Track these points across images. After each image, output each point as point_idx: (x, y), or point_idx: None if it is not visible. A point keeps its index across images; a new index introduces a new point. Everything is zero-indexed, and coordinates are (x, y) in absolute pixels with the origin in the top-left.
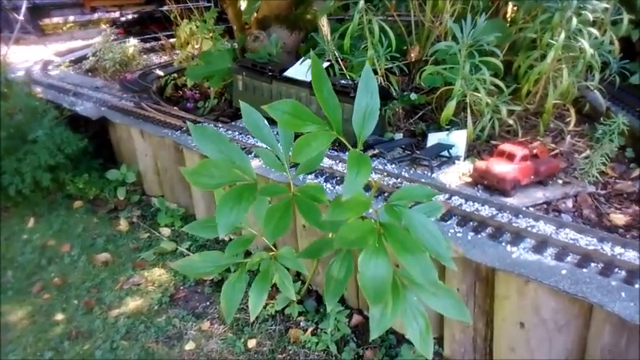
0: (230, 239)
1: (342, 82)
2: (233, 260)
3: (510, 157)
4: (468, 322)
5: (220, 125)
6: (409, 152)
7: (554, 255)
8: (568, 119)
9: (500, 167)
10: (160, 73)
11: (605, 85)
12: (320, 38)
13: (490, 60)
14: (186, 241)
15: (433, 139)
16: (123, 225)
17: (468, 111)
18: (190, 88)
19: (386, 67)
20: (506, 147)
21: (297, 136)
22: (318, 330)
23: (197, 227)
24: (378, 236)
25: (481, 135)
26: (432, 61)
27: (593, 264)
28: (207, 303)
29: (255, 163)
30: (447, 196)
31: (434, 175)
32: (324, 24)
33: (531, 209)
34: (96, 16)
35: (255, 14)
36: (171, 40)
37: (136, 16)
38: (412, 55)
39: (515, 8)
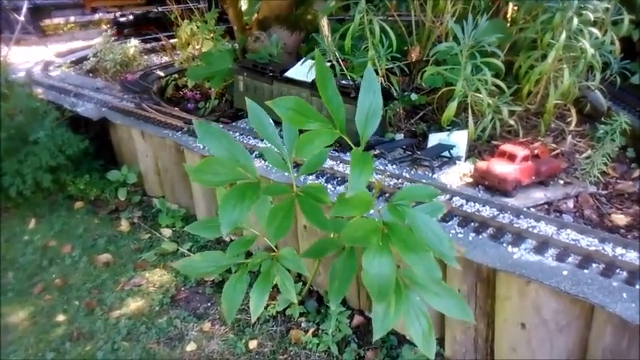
0: (231, 240)
1: (343, 82)
2: (234, 261)
3: (511, 157)
4: (471, 322)
5: (221, 126)
6: (410, 153)
7: (555, 256)
8: (569, 119)
9: (502, 168)
10: (161, 73)
11: (606, 85)
12: (320, 39)
13: (491, 61)
14: (187, 241)
15: (434, 139)
16: (124, 226)
17: (469, 111)
18: (191, 88)
19: (387, 67)
20: (508, 147)
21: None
22: (319, 331)
23: (198, 227)
24: (382, 235)
25: (482, 135)
26: (433, 61)
27: (594, 265)
28: (209, 304)
29: (256, 163)
30: (448, 196)
31: (435, 175)
32: (324, 24)
33: (532, 210)
34: (97, 16)
35: (255, 15)
36: (172, 40)
37: (131, 17)
38: (413, 55)
39: (515, 8)
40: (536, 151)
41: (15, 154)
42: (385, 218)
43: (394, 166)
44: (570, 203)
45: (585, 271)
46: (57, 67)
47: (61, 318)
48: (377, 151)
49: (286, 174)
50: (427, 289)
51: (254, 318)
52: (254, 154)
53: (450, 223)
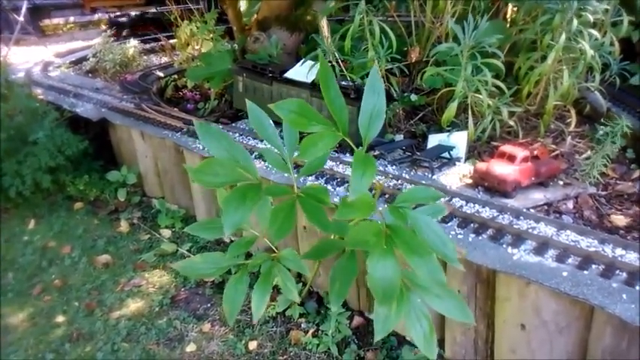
0: (231, 241)
1: (343, 83)
2: (234, 262)
3: (511, 158)
4: (471, 323)
5: (221, 127)
6: (410, 153)
7: (555, 257)
8: (568, 120)
9: (501, 169)
10: (160, 74)
11: (606, 87)
12: (320, 39)
13: (492, 61)
14: (187, 242)
15: (434, 140)
16: (123, 226)
17: (469, 112)
18: (190, 89)
19: (386, 68)
20: (507, 148)
21: (301, 138)
22: (319, 332)
23: (198, 228)
24: (386, 238)
25: (482, 136)
26: (433, 62)
27: (594, 266)
28: (208, 305)
29: (256, 164)
30: (447, 197)
31: (434, 176)
32: (324, 25)
33: (532, 211)
34: (96, 16)
35: (255, 15)
36: (171, 41)
37: (130, 17)
38: (413, 56)
39: (515, 9)
40: (535, 152)
41: (14, 155)
42: (387, 220)
43: (394, 167)
44: (570, 204)
45: (585, 272)
46: (56, 68)
47: (60, 319)
48: (376, 152)
49: (286, 175)
50: (428, 291)
51: (255, 319)
52: (254, 155)
53: (449, 224)
